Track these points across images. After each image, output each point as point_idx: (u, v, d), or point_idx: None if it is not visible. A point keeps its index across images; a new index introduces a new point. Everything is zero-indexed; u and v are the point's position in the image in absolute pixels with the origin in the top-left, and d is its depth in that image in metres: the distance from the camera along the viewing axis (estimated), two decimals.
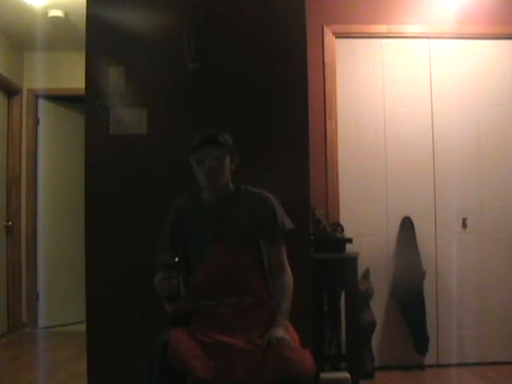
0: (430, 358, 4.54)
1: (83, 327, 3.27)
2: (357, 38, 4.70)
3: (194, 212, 2.69)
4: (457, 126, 4.66)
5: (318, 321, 3.80)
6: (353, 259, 3.82)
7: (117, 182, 3.24)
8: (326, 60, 4.63)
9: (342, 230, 4.16)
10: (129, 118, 3.26)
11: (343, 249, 3.93)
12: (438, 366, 4.54)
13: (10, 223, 6.25)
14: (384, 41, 4.71)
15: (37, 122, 6.56)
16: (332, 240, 3.98)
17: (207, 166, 2.56)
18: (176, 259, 2.45)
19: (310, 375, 2.30)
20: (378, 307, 4.47)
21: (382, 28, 4.68)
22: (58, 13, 5.38)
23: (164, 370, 2.25)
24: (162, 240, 2.73)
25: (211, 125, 2.71)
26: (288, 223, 2.68)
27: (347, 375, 3.74)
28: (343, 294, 4.03)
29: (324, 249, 3.86)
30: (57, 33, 5.82)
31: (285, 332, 2.36)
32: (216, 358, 2.28)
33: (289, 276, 2.63)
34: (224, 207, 2.63)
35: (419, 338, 4.47)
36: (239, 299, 2.53)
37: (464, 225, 4.65)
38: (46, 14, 5.38)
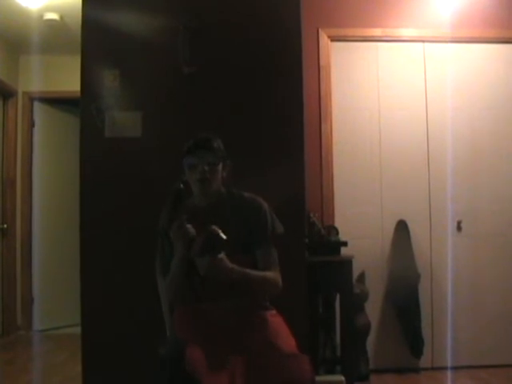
0: (424, 361, 4.55)
1: (78, 330, 3.26)
2: (352, 42, 4.72)
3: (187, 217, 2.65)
4: (451, 129, 4.67)
5: (313, 324, 3.80)
6: (348, 262, 3.82)
7: (112, 185, 3.25)
8: (322, 63, 4.64)
9: (337, 233, 4.16)
10: (124, 120, 3.26)
11: (338, 252, 3.93)
12: (433, 369, 4.55)
13: (5, 226, 6.24)
14: (379, 44, 4.73)
15: (32, 124, 6.56)
16: (327, 243, 3.98)
17: (200, 171, 2.52)
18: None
19: None
20: (373, 310, 4.47)
21: (376, 31, 4.70)
22: (54, 16, 5.39)
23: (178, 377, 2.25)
24: (160, 247, 2.71)
25: (206, 128, 2.70)
26: (279, 227, 2.66)
27: (342, 378, 3.73)
28: (338, 297, 4.03)
29: (319, 252, 3.86)
30: (52, 36, 5.82)
31: (224, 258, 2.36)
32: (219, 371, 2.26)
33: (274, 275, 2.57)
34: (216, 212, 2.60)
35: (414, 340, 4.47)
36: (237, 302, 2.51)
37: (459, 228, 4.66)
38: (42, 16, 5.39)
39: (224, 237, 2.34)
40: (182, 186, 2.49)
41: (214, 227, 2.35)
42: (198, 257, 2.39)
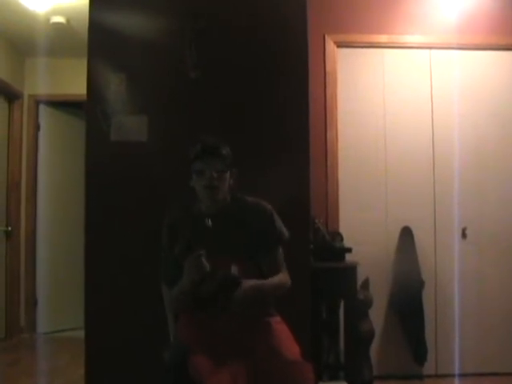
0: (428, 368, 4.52)
1: (81, 333, 3.26)
2: (358, 48, 4.71)
3: (192, 224, 2.60)
4: (457, 135, 4.65)
5: (317, 330, 3.79)
6: (352, 268, 3.81)
7: (117, 189, 3.25)
8: (328, 69, 4.64)
9: (342, 239, 4.15)
10: (129, 124, 3.26)
11: (342, 258, 3.92)
12: (437, 376, 4.53)
13: (10, 228, 6.25)
14: (385, 50, 4.72)
15: (37, 127, 6.57)
16: (331, 249, 3.97)
17: (208, 178, 2.49)
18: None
19: None
20: (377, 317, 4.45)
21: (383, 38, 4.69)
22: (61, 19, 5.40)
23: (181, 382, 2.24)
24: (164, 260, 2.69)
25: (213, 132, 2.68)
26: (286, 233, 2.66)
27: None
28: (342, 303, 4.02)
29: (323, 258, 3.85)
30: (59, 39, 5.83)
31: (247, 286, 2.38)
32: (222, 376, 2.26)
33: (284, 276, 2.60)
34: (222, 218, 2.57)
35: (418, 347, 4.45)
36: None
37: (464, 235, 4.64)
38: (49, 20, 5.40)
39: (240, 280, 2.36)
40: (209, 222, 2.48)
41: (227, 271, 2.38)
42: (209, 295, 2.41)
